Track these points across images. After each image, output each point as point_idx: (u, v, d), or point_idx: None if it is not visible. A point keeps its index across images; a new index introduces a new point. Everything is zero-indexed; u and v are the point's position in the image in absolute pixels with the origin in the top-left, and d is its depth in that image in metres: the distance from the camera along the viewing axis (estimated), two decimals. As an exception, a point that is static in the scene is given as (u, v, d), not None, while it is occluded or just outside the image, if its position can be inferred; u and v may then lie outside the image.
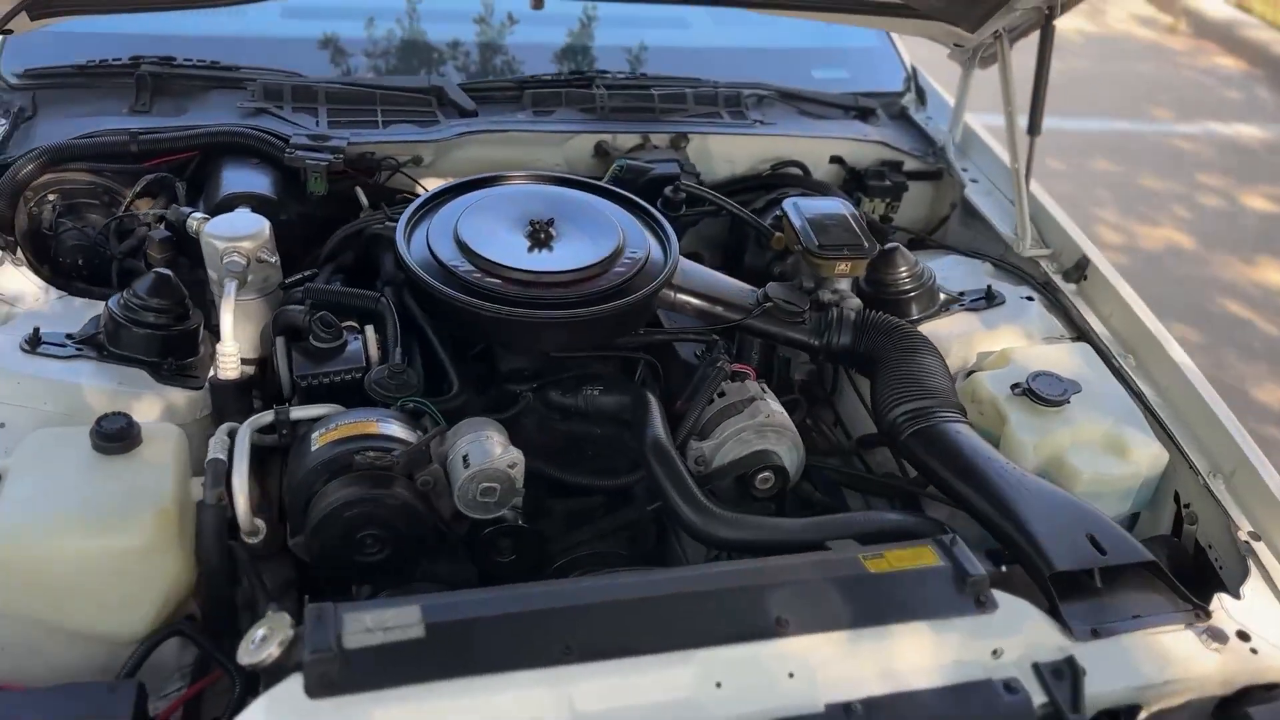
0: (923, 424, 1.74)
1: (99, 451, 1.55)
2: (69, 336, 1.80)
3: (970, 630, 1.38)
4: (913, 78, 2.81)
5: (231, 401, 1.80)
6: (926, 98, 2.78)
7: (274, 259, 1.98)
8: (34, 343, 1.75)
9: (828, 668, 1.34)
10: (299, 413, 1.70)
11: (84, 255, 2.08)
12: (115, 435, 1.56)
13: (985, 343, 2.05)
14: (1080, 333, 2.08)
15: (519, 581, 1.68)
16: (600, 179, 2.18)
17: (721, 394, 1.85)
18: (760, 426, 1.78)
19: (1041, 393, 1.84)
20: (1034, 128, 2.22)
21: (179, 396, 1.78)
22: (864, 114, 2.66)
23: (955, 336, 2.05)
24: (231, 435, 1.63)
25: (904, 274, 2.11)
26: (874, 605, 1.39)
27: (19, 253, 1.97)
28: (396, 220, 1.92)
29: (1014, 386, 1.87)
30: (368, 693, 1.21)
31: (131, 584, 1.50)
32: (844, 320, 1.98)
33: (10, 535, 1.45)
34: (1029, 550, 1.50)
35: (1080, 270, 2.19)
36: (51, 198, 2.07)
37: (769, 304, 1.97)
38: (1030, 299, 2.16)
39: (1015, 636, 1.39)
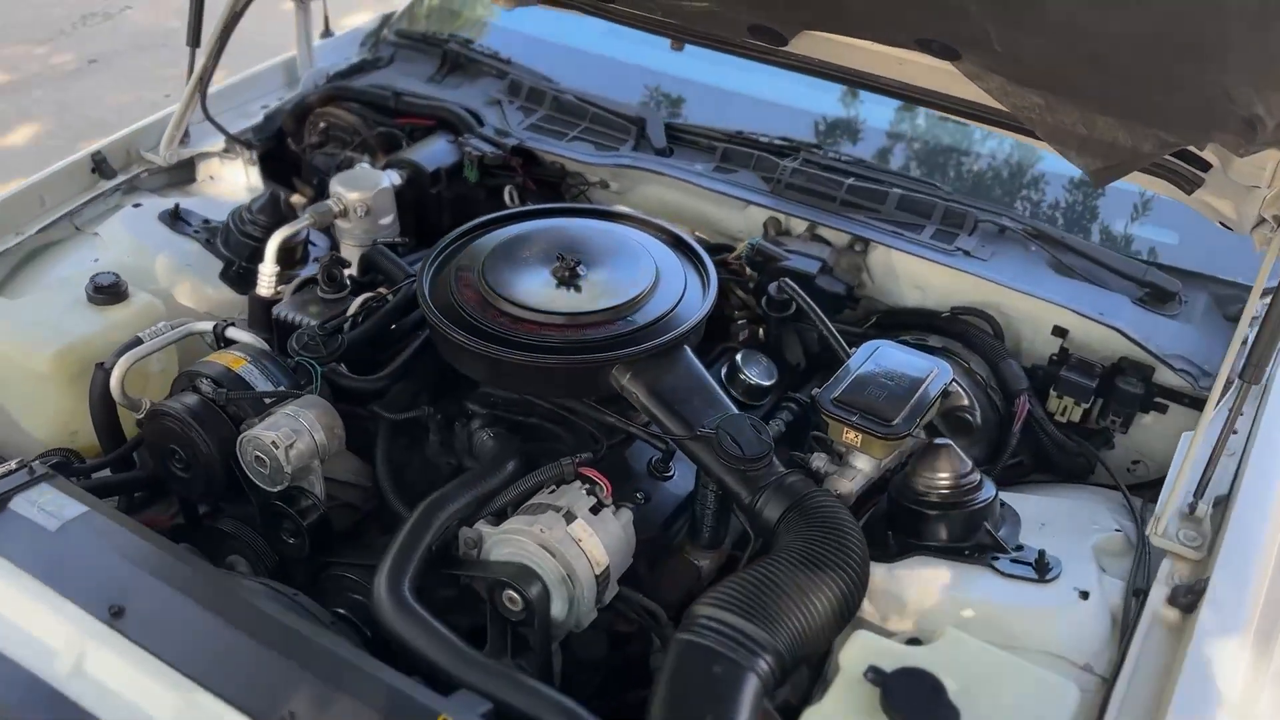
0: (695, 638, 1.30)
1: (88, 298, 1.90)
2: (205, 221, 2.18)
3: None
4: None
5: (259, 314, 2.02)
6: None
7: (386, 219, 2.15)
8: (173, 215, 2.16)
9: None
10: (233, 333, 1.85)
11: (317, 179, 2.46)
12: (102, 289, 1.90)
13: (945, 607, 1.40)
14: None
15: (304, 564, 1.69)
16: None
17: (552, 490, 1.56)
18: (545, 542, 1.47)
19: (894, 700, 1.23)
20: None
21: (225, 295, 2.06)
22: (1158, 295, 1.90)
23: (917, 583, 1.44)
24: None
25: (942, 481, 1.52)
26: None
27: (252, 154, 2.41)
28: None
29: (870, 671, 1.28)
30: None
31: (34, 399, 1.83)
32: (784, 489, 1.52)
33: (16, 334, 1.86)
34: None
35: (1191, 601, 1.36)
36: (321, 125, 2.48)
37: (708, 434, 1.60)
38: (1085, 595, 1.40)
39: None
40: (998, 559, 1.48)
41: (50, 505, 1.50)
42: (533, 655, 1.50)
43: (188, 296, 2.05)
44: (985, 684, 1.27)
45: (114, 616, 1.37)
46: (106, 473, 1.82)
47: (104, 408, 1.78)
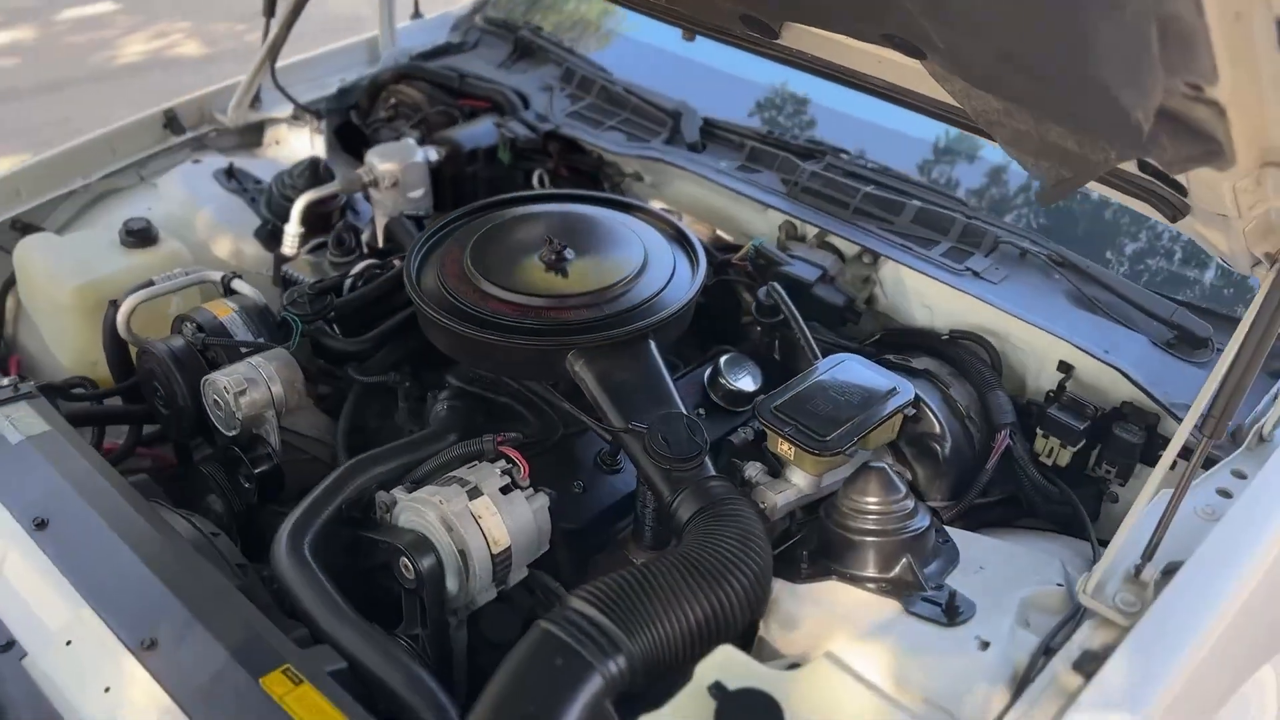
0: (551, 627, 1.27)
1: (119, 240, 2.03)
2: (256, 181, 2.29)
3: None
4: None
5: (279, 271, 2.11)
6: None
7: (416, 192, 2.21)
8: (227, 173, 2.29)
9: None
10: (238, 284, 1.94)
11: (379, 151, 2.54)
12: (133, 233, 2.02)
13: (838, 636, 1.30)
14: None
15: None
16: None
17: (473, 466, 1.55)
18: (444, 515, 1.46)
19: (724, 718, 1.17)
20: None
21: (257, 252, 2.16)
22: (1187, 340, 1.70)
23: (817, 607, 1.35)
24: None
25: (870, 506, 1.42)
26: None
27: (320, 123, 2.51)
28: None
29: (714, 686, 1.20)
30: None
31: (60, 328, 1.97)
32: (701, 492, 1.47)
33: (36, 264, 2.03)
34: None
35: None
36: (391, 101, 2.57)
37: (640, 429, 1.56)
38: (985, 645, 1.27)
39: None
40: (909, 595, 1.37)
41: (21, 421, 1.62)
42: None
43: (223, 250, 2.16)
44: (829, 717, 1.18)
45: (37, 527, 1.46)
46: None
47: (114, 342, 1.90)
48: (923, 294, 1.85)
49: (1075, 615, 1.32)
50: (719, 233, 2.11)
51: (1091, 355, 1.65)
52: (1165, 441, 1.62)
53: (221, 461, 1.78)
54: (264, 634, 1.32)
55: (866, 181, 1.99)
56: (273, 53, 2.37)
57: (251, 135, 2.49)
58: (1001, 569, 1.45)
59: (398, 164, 2.15)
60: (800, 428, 1.50)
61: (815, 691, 1.22)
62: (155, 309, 1.90)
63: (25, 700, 1.29)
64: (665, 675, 1.28)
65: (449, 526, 1.45)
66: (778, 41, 1.64)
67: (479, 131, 2.30)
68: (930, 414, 1.63)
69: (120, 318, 1.86)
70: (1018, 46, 1.06)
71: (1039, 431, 1.65)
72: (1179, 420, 1.59)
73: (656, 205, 2.21)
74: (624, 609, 1.30)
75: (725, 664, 1.26)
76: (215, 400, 1.69)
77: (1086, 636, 1.28)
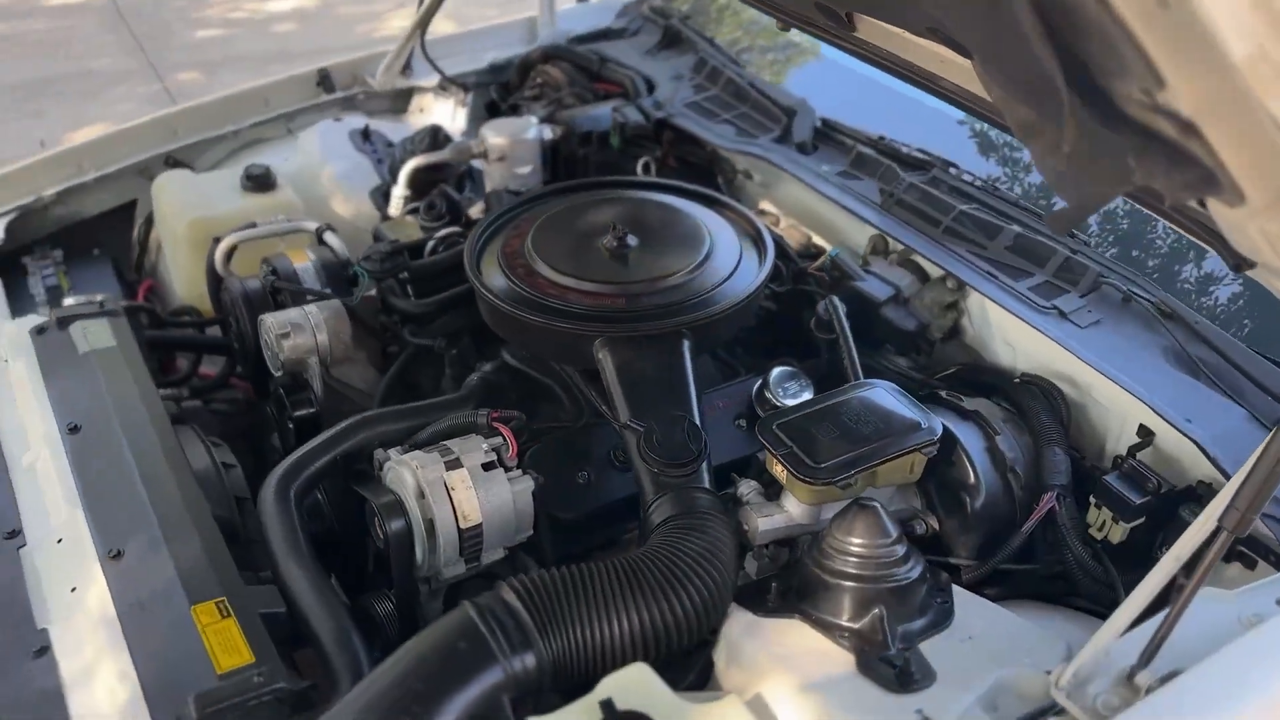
0: (472, 610, 1.23)
1: (240, 184, 2.16)
2: (388, 144, 2.37)
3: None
4: None
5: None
6: None
7: (524, 168, 2.22)
8: (363, 134, 2.38)
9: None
10: (329, 237, 2.00)
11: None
12: (252, 178, 2.15)
13: (777, 679, 1.18)
14: None
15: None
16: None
17: (467, 438, 1.53)
18: (419, 481, 1.44)
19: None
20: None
21: (368, 210, 2.23)
22: None
23: (768, 645, 1.24)
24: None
25: (852, 547, 1.29)
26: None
27: (466, 96, 2.56)
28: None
29: (604, 703, 1.12)
30: None
31: (176, 258, 2.12)
32: (680, 500, 1.39)
33: (167, 197, 2.19)
34: None
35: None
36: (538, 81, 2.59)
37: (637, 427, 1.49)
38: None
39: None
40: (869, 650, 1.23)
41: (93, 334, 1.75)
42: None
43: (339, 205, 2.26)
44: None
45: (70, 431, 1.57)
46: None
47: (212, 276, 2.02)
48: (1005, 330, 1.66)
49: (1048, 709, 1.14)
50: (815, 240, 1.99)
51: (1169, 422, 1.42)
52: (1249, 539, 1.38)
53: (275, 402, 1.86)
54: (217, 565, 1.36)
55: (968, 200, 1.81)
56: (423, 23, 2.45)
57: (399, 101, 2.59)
58: (994, 642, 1.27)
59: (507, 139, 2.16)
60: (796, 451, 1.38)
61: (709, 730, 1.11)
62: (261, 250, 2.01)
63: (5, 585, 1.39)
64: (589, 680, 1.22)
65: (421, 493, 1.44)
66: (856, 35, 1.52)
67: (596, 115, 2.28)
68: (966, 461, 1.46)
69: (218, 253, 1.98)
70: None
71: (1091, 500, 1.44)
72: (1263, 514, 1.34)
73: (764, 205, 2.12)
74: (548, 607, 1.24)
75: (629, 682, 1.17)
76: (265, 340, 1.76)
77: (1050, 735, 1.10)
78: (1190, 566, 1.13)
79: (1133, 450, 1.47)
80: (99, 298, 1.85)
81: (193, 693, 1.17)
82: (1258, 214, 0.88)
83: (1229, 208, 0.89)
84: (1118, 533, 1.42)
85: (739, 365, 1.86)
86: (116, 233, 2.30)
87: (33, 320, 1.80)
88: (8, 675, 1.29)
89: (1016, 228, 1.74)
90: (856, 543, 1.29)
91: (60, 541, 1.42)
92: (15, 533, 1.45)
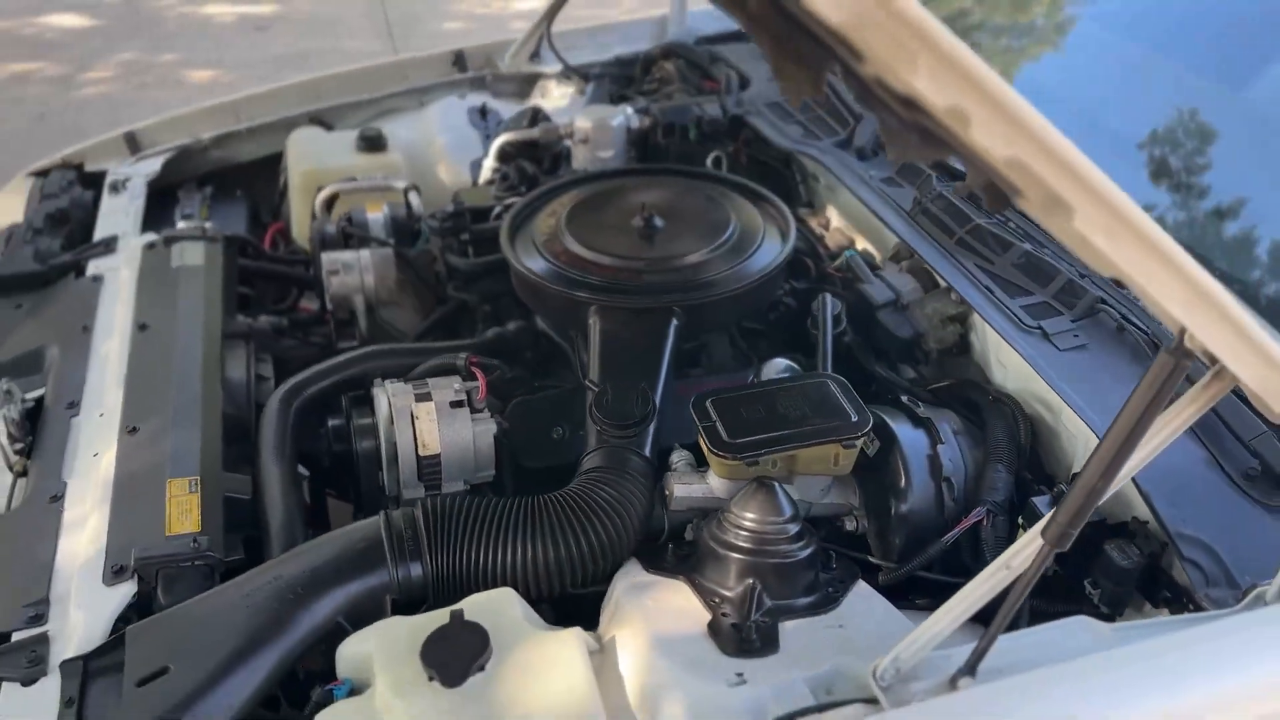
0: (389, 517, 1.37)
1: (355, 143, 2.40)
2: (499, 122, 2.55)
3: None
4: None
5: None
6: None
7: (605, 152, 2.34)
8: (480, 112, 2.57)
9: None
10: (413, 196, 2.20)
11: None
12: (365, 138, 2.38)
13: (628, 627, 1.24)
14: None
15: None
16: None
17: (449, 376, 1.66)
18: (391, 407, 1.58)
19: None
20: None
21: (465, 179, 2.42)
22: (1272, 479, 1.31)
23: (638, 598, 1.30)
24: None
25: (744, 522, 1.33)
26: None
27: (587, 86, 2.69)
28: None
29: (455, 611, 1.22)
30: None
31: (295, 203, 2.38)
32: (607, 454, 1.48)
33: (293, 150, 2.46)
34: None
35: None
36: (658, 75, 2.69)
37: (592, 386, 1.58)
38: (740, 679, 1.13)
39: None
40: (727, 614, 1.27)
41: (187, 254, 2.02)
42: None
43: (442, 172, 2.46)
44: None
45: (139, 329, 1.83)
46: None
47: (313, 220, 2.26)
48: (999, 349, 1.62)
49: (865, 696, 1.14)
50: (860, 243, 2.00)
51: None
52: (1167, 577, 1.30)
53: (329, 334, 2.07)
54: (206, 451, 1.56)
55: (988, 213, 1.77)
56: (552, 13, 2.62)
57: (524, 85, 2.76)
58: (863, 636, 1.28)
59: (592, 123, 2.29)
60: (717, 425, 1.43)
61: (541, 650, 1.19)
62: (359, 201, 2.23)
63: (51, 444, 1.65)
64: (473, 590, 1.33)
65: (391, 420, 1.59)
66: None
67: (681, 108, 2.36)
68: (900, 464, 1.45)
69: (318, 200, 2.23)
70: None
71: (1019, 521, 1.40)
72: (1180, 556, 1.27)
73: (830, 211, 2.14)
74: (446, 528, 1.36)
75: (490, 602, 1.28)
76: (322, 276, 1.97)
77: (845, 716, 1.11)
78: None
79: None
80: (206, 225, 2.12)
81: (139, 547, 1.37)
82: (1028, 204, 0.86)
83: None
84: (1040, 557, 1.37)
85: (755, 356, 1.90)
86: (261, 179, 2.60)
87: (149, 238, 2.10)
88: (31, 511, 1.54)
89: (1027, 245, 1.69)
90: (749, 518, 1.33)
91: (101, 415, 1.67)
92: (74, 404, 1.72)
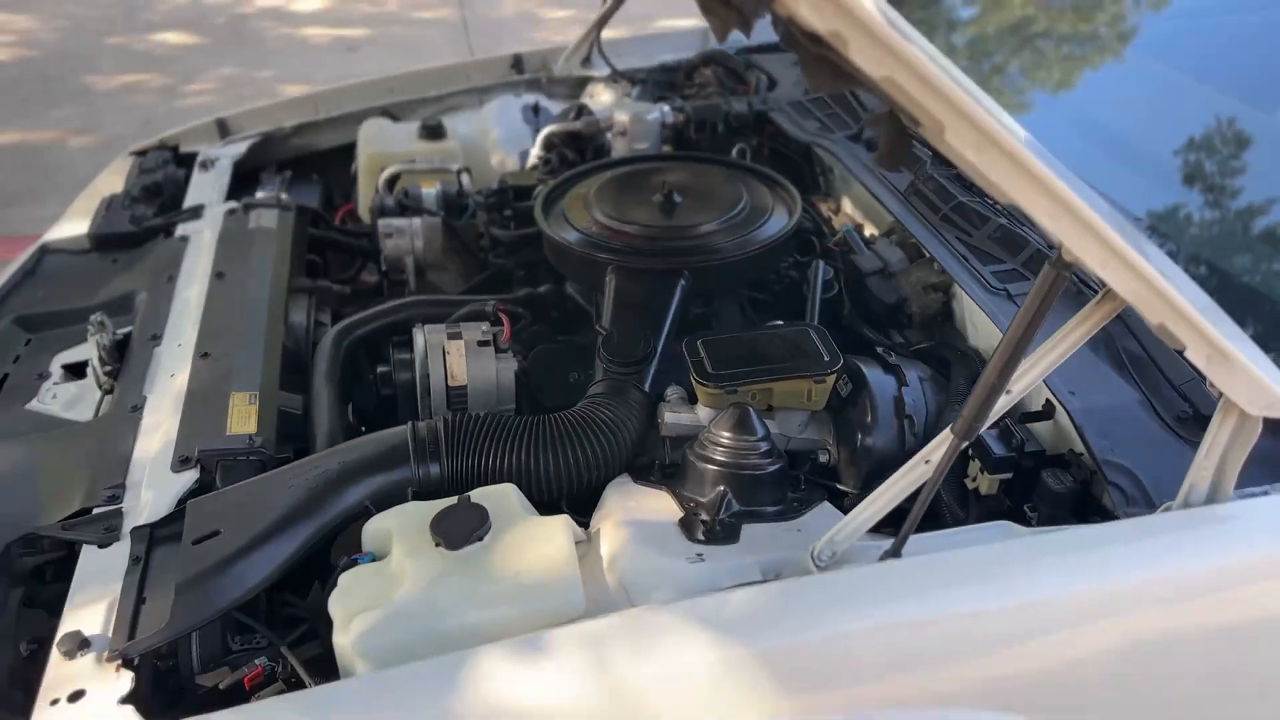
0: (416, 427, 1.59)
1: (418, 131, 2.65)
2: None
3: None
4: None
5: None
6: None
7: (641, 145, 2.56)
8: (533, 109, 2.81)
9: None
10: (464, 177, 2.44)
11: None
12: (426, 128, 2.63)
13: (610, 523, 1.43)
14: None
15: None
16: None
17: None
18: (427, 343, 1.80)
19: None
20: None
21: (511, 165, 2.65)
22: (1200, 421, 1.44)
23: (623, 499, 1.49)
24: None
25: (720, 439, 1.51)
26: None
27: (634, 89, 2.91)
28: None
29: (463, 496, 1.43)
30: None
31: (363, 183, 2.63)
32: (608, 383, 1.68)
33: (362, 137, 2.71)
34: None
35: None
36: (697, 81, 2.90)
37: (602, 330, 1.79)
38: (700, 558, 1.30)
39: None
40: (698, 513, 1.45)
41: (263, 218, 2.28)
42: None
43: (494, 159, 2.69)
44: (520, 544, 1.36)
45: (217, 276, 2.09)
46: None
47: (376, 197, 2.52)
48: (973, 313, 1.79)
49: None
50: (870, 229, 2.18)
51: (1052, 391, 1.52)
52: (1097, 503, 1.45)
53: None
54: (265, 373, 1.79)
55: (970, 193, 1.93)
56: (601, 22, 2.85)
57: (575, 88, 3.00)
58: (816, 537, 1.44)
59: (629, 117, 2.51)
60: (704, 359, 1.62)
61: (531, 530, 1.39)
62: (417, 181, 2.48)
63: (134, 368, 1.90)
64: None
65: (426, 354, 1.81)
66: None
67: (710, 106, 2.57)
68: (868, 403, 1.62)
69: (381, 179, 2.48)
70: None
71: (969, 452, 1.56)
72: (1107, 480, 1.42)
73: (843, 200, 2.32)
74: (463, 437, 1.57)
75: (493, 493, 1.48)
76: (379, 239, 2.22)
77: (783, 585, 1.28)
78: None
79: (1026, 418, 1.57)
80: (282, 196, 2.39)
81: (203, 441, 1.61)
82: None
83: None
84: (986, 483, 1.53)
85: (758, 321, 2.08)
86: (335, 166, 2.87)
87: (231, 205, 2.37)
88: (114, 418, 1.78)
89: (1003, 220, 1.85)
90: (725, 436, 1.52)
91: (179, 345, 1.92)
92: (156, 336, 1.97)
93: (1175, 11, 2.58)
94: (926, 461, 1.25)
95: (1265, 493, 1.38)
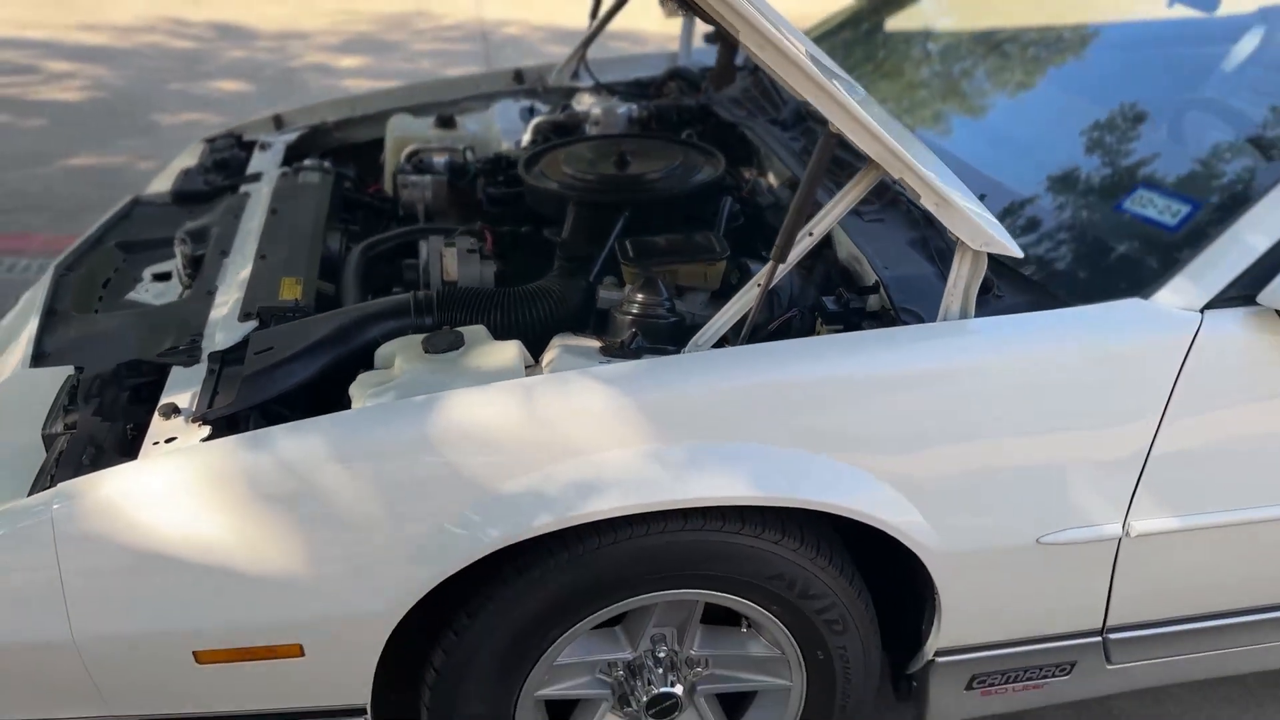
0: (413, 294, 2.18)
1: (434, 121, 3.29)
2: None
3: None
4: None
5: (514, 165, 3.22)
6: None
7: (613, 133, 3.18)
8: (530, 110, 3.45)
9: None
10: (468, 154, 3.07)
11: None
12: (440, 118, 3.27)
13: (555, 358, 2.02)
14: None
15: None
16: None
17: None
18: (430, 249, 2.40)
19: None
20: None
21: (509, 149, 3.28)
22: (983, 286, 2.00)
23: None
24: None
25: (635, 298, 2.07)
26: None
27: (614, 99, 3.55)
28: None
29: (451, 329, 2.01)
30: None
31: (388, 163, 3.27)
32: (565, 271, 2.28)
33: (388, 127, 3.36)
34: None
35: None
36: (665, 92, 3.53)
37: (562, 241, 2.38)
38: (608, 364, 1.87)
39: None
40: (614, 344, 2.02)
41: (308, 178, 2.90)
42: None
43: (494, 146, 3.33)
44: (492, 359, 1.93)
45: (271, 212, 2.70)
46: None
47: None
48: (836, 232, 2.37)
49: None
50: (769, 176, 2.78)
51: (873, 266, 2.08)
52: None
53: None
54: (307, 269, 2.39)
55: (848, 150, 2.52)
56: (587, 42, 3.50)
57: (565, 97, 3.64)
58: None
59: (602, 110, 3.14)
60: (628, 249, 2.21)
61: (494, 346, 1.96)
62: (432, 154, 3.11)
63: (209, 271, 2.51)
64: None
65: (428, 258, 2.41)
66: None
67: (667, 105, 3.21)
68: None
69: (402, 155, 3.11)
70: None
71: (816, 315, 2.13)
72: (897, 316, 1.98)
73: (769, 169, 2.92)
74: (450, 299, 2.15)
75: (472, 329, 2.05)
76: (399, 191, 2.84)
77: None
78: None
79: (860, 290, 2.14)
80: (325, 164, 3.02)
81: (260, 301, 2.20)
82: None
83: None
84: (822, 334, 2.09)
85: None
86: (368, 155, 3.51)
87: (284, 170, 3.00)
88: (194, 299, 2.38)
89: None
90: (639, 296, 2.09)
91: (243, 256, 2.53)
92: (225, 252, 2.58)
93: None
94: (758, 285, 1.82)
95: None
